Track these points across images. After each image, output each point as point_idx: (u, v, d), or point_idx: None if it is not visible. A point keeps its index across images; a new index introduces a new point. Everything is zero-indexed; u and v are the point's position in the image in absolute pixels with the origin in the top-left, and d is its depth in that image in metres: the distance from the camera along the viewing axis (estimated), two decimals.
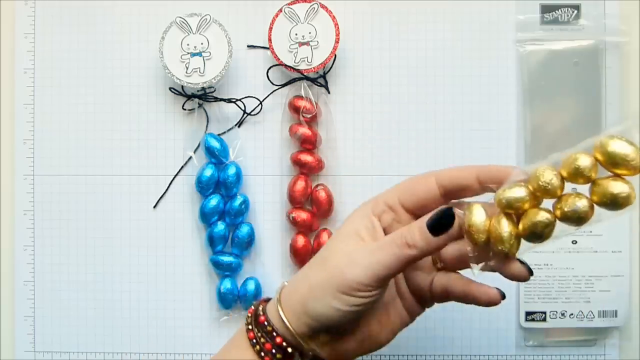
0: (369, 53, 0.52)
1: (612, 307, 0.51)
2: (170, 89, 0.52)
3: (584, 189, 0.35)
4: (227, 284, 0.51)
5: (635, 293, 0.51)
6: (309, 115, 0.50)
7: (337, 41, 0.49)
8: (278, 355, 0.37)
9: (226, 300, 0.51)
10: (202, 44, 0.50)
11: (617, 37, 0.51)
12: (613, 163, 0.34)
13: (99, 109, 0.53)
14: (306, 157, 0.50)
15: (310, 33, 0.49)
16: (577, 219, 0.35)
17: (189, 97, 0.51)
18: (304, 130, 0.50)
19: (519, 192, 0.34)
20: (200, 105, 0.52)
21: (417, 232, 0.35)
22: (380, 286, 0.36)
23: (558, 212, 0.35)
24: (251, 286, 0.51)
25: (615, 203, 0.34)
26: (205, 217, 0.51)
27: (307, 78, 0.50)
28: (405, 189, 0.38)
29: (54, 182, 0.53)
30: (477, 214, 0.35)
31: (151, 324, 0.52)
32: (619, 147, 0.34)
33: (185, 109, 0.52)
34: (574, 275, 0.51)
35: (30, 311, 0.53)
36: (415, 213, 0.38)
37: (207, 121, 0.52)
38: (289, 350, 0.37)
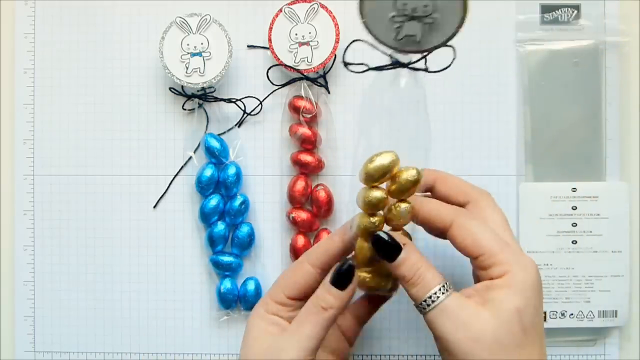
0: (368, 53, 0.52)
1: (612, 307, 0.51)
2: (170, 89, 0.52)
3: None
4: (227, 284, 0.51)
5: (635, 293, 0.52)
6: (309, 115, 0.50)
7: (337, 41, 0.49)
8: None
9: (226, 300, 0.51)
10: (202, 44, 0.50)
11: (617, 37, 0.51)
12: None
13: (99, 109, 0.53)
14: (306, 157, 0.50)
15: (310, 33, 0.49)
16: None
17: (189, 97, 0.51)
18: (304, 130, 0.50)
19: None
20: (200, 105, 0.52)
21: (326, 294, 0.37)
22: (312, 358, 0.37)
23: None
24: (251, 286, 0.51)
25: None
26: (205, 217, 0.51)
27: (307, 78, 0.50)
28: (286, 283, 0.41)
29: (54, 182, 0.53)
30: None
31: (151, 324, 0.52)
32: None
33: (185, 109, 0.52)
34: (574, 275, 0.51)
35: (30, 311, 0.53)
36: (304, 300, 0.40)
37: (207, 121, 0.52)
38: None
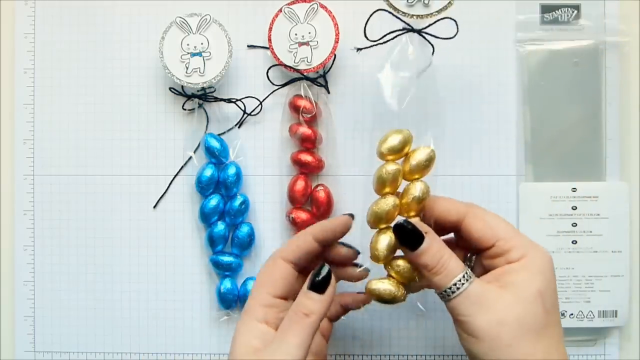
0: (368, 52, 0.52)
1: (612, 307, 0.51)
2: (170, 89, 0.52)
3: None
4: (227, 284, 0.51)
5: (635, 293, 0.52)
6: (309, 115, 0.50)
7: (336, 41, 0.49)
8: None
9: (226, 300, 0.51)
10: (202, 44, 0.50)
11: (617, 37, 0.51)
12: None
13: (99, 108, 0.53)
14: (306, 157, 0.50)
15: (310, 33, 0.49)
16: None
17: (189, 97, 0.51)
18: (304, 130, 0.50)
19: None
20: (200, 105, 0.52)
21: (306, 300, 0.37)
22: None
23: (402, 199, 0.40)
24: (251, 286, 0.51)
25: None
26: (205, 217, 0.51)
27: (306, 78, 0.50)
28: (265, 282, 0.40)
29: (54, 182, 0.53)
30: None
31: (151, 324, 0.52)
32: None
33: (185, 109, 0.52)
34: (574, 275, 0.51)
35: (30, 311, 0.53)
36: (287, 299, 0.40)
37: (207, 121, 0.52)
38: None
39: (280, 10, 0.50)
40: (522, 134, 0.52)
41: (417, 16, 0.42)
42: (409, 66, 0.43)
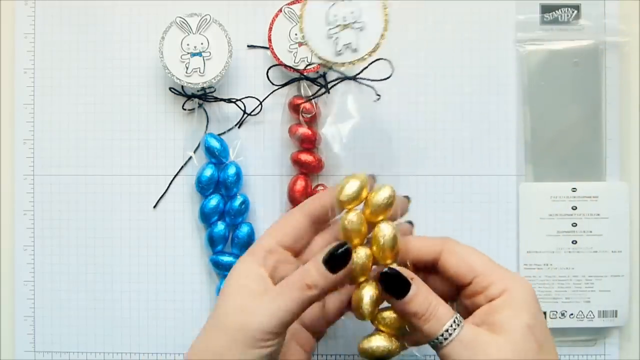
0: None
1: (612, 307, 0.51)
2: (170, 89, 0.52)
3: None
4: None
5: (635, 293, 0.52)
6: (309, 115, 0.50)
7: None
8: None
9: None
10: (202, 44, 0.50)
11: (617, 37, 0.51)
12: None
13: (99, 109, 0.53)
14: (306, 157, 0.50)
15: None
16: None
17: (189, 97, 0.51)
18: (304, 130, 0.50)
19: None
20: (200, 105, 0.52)
21: (315, 272, 0.35)
22: (285, 332, 0.36)
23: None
24: None
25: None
26: (205, 217, 0.51)
27: (306, 78, 0.50)
28: (278, 230, 0.39)
29: (54, 182, 0.53)
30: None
31: (151, 324, 0.52)
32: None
33: (185, 109, 0.52)
34: (574, 275, 0.51)
35: (30, 311, 0.53)
36: (295, 248, 0.39)
37: (207, 121, 0.52)
38: None
39: (280, 10, 0.50)
40: (522, 134, 0.52)
41: (348, 63, 0.42)
42: (351, 114, 0.43)
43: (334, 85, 0.44)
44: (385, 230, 0.37)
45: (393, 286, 0.36)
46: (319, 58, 0.42)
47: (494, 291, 0.36)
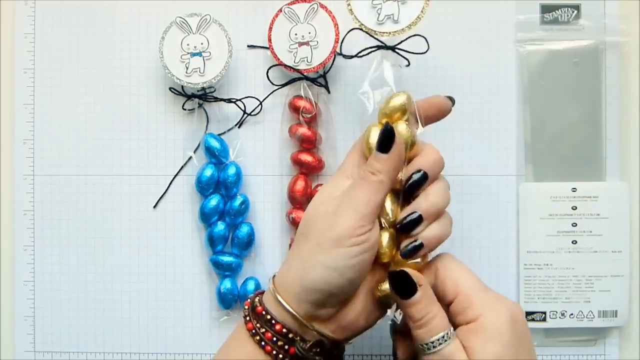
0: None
1: (612, 307, 0.51)
2: (170, 89, 0.52)
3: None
4: (227, 284, 0.51)
5: (635, 293, 0.52)
6: (309, 115, 0.50)
7: (336, 41, 0.49)
8: (279, 343, 0.37)
9: (226, 300, 0.51)
10: (202, 44, 0.50)
11: (617, 37, 0.51)
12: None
13: (99, 108, 0.53)
14: (306, 157, 0.50)
15: (310, 33, 0.49)
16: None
17: (189, 97, 0.51)
18: (304, 130, 0.50)
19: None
20: (200, 105, 0.52)
21: (372, 160, 0.38)
22: (367, 225, 0.37)
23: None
24: (251, 286, 0.51)
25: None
26: (205, 217, 0.51)
27: (306, 78, 0.50)
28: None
29: (54, 182, 0.53)
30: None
31: (151, 324, 0.52)
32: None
33: (185, 109, 0.52)
34: (574, 275, 0.51)
35: (30, 311, 0.53)
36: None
37: (207, 121, 0.52)
38: (290, 336, 0.37)
39: (280, 10, 0.50)
40: (522, 134, 0.52)
41: (388, 33, 0.44)
42: (385, 82, 0.45)
43: (370, 52, 0.45)
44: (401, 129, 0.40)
45: (401, 287, 0.37)
46: (361, 25, 0.44)
47: (470, 315, 0.36)
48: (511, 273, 0.52)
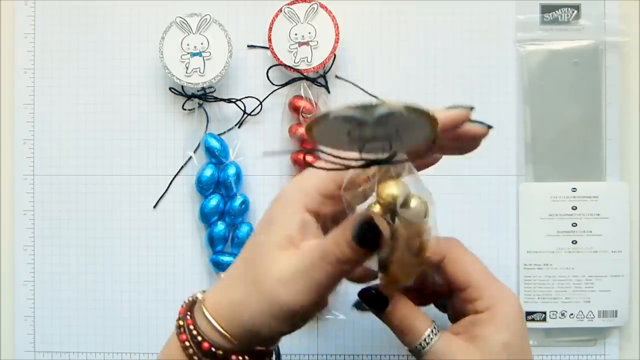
0: (368, 53, 0.52)
1: (612, 307, 0.51)
2: (170, 89, 0.52)
3: None
4: None
5: (635, 293, 0.51)
6: (309, 115, 0.50)
7: (336, 41, 0.49)
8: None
9: None
10: (202, 44, 0.50)
11: (617, 37, 0.51)
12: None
13: (99, 108, 0.53)
14: (306, 157, 0.50)
15: (310, 33, 0.49)
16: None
17: (189, 97, 0.51)
18: (304, 130, 0.50)
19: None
20: (200, 105, 0.52)
21: (346, 247, 0.32)
22: (324, 302, 0.35)
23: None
24: None
25: None
26: (205, 217, 0.51)
27: (306, 78, 0.50)
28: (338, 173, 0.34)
29: (54, 182, 0.53)
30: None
31: (151, 324, 0.52)
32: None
33: (185, 109, 0.52)
34: (574, 275, 0.51)
35: (30, 311, 0.53)
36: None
37: (207, 121, 0.52)
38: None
39: (280, 10, 0.50)
40: (522, 134, 0.52)
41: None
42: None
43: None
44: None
45: (372, 303, 0.37)
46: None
47: (481, 305, 0.37)
48: (511, 273, 0.52)
